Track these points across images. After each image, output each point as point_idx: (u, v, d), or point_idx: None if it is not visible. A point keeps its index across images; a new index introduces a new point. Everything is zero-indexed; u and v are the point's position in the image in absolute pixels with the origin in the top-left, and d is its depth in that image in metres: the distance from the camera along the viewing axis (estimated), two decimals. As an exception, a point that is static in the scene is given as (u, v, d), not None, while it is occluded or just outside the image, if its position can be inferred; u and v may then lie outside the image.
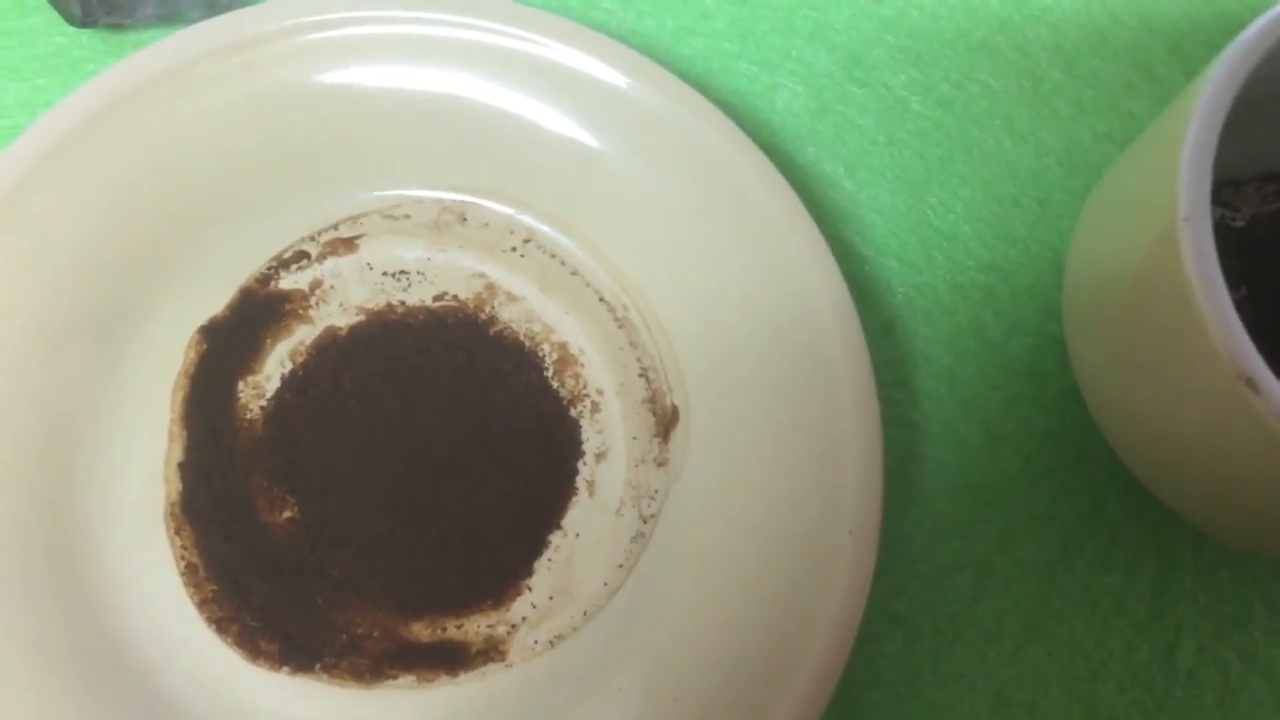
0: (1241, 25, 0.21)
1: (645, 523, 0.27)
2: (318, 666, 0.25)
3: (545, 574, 0.26)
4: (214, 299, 0.28)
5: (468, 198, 0.29)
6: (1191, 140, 0.20)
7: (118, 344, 0.27)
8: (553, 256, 0.29)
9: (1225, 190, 0.27)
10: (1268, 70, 0.20)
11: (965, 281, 0.29)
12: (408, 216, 0.29)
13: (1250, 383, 0.18)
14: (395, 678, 0.25)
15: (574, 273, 0.29)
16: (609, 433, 0.27)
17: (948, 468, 0.28)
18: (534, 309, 0.28)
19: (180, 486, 0.26)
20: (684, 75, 0.28)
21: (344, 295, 0.28)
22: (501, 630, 0.26)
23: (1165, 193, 0.20)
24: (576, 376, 0.28)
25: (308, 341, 0.28)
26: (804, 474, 0.25)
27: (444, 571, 0.26)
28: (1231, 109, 0.20)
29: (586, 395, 0.28)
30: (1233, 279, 0.19)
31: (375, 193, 0.29)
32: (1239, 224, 0.27)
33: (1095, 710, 0.26)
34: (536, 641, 0.26)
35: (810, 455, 0.25)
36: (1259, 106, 0.21)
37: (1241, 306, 0.19)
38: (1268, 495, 0.21)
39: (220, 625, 0.25)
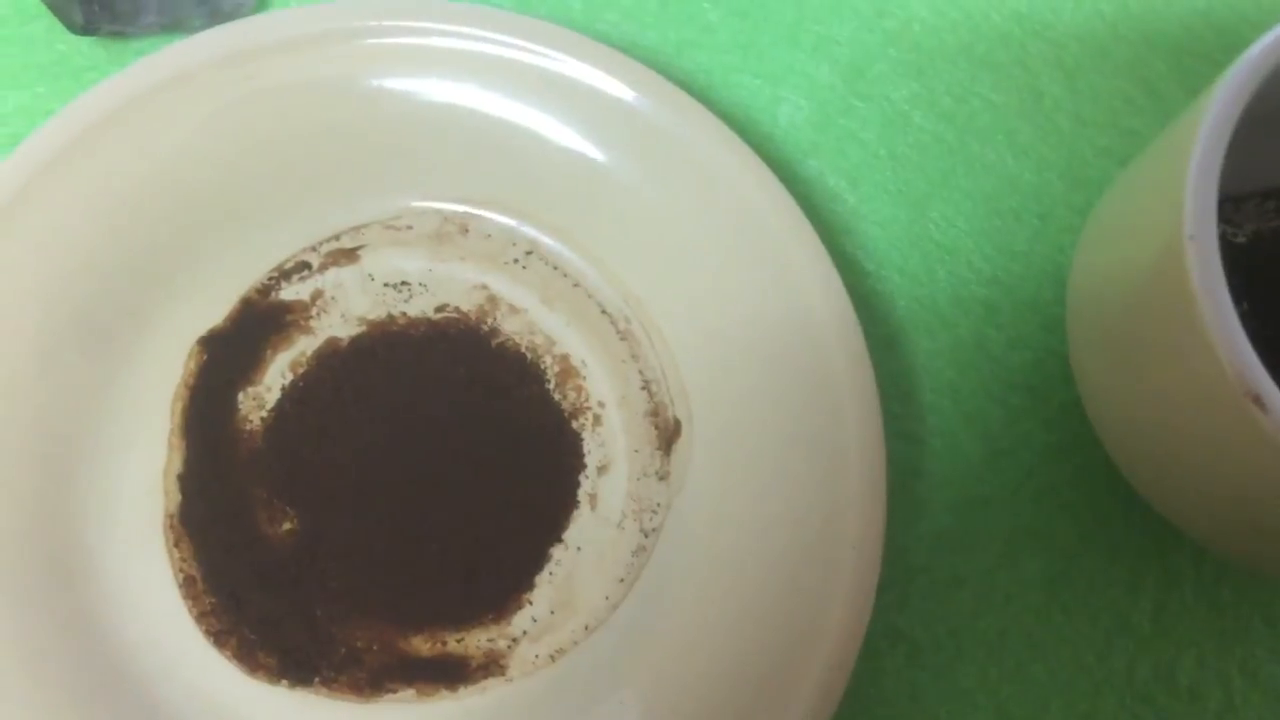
0: (1242, 41, 0.21)
1: (647, 536, 0.26)
2: (317, 680, 0.25)
3: (546, 588, 0.26)
4: (214, 309, 0.28)
5: (470, 209, 0.29)
6: (1197, 158, 0.20)
7: (117, 354, 0.27)
8: (555, 268, 0.29)
9: (1227, 206, 0.27)
10: (1269, 88, 0.21)
11: (967, 295, 0.29)
12: (410, 227, 0.29)
13: (1257, 400, 0.18)
14: (395, 691, 0.25)
15: (576, 285, 0.28)
16: (611, 446, 0.27)
17: (950, 482, 0.28)
18: (536, 321, 0.28)
19: (179, 498, 0.26)
20: (687, 88, 0.28)
21: (345, 306, 0.28)
22: (502, 644, 0.26)
23: (1170, 209, 0.20)
24: (578, 389, 0.28)
25: (308, 352, 0.28)
26: (806, 488, 0.25)
27: (444, 585, 0.26)
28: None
29: (588, 408, 0.28)
30: (1235, 295, 0.19)
31: (377, 203, 0.29)
32: (1240, 240, 0.27)
33: (1097, 726, 0.26)
34: (537, 655, 0.26)
35: (813, 469, 0.25)
36: (1260, 123, 0.21)
37: (1243, 322, 0.19)
38: (1271, 511, 0.21)
39: (219, 638, 0.25)
